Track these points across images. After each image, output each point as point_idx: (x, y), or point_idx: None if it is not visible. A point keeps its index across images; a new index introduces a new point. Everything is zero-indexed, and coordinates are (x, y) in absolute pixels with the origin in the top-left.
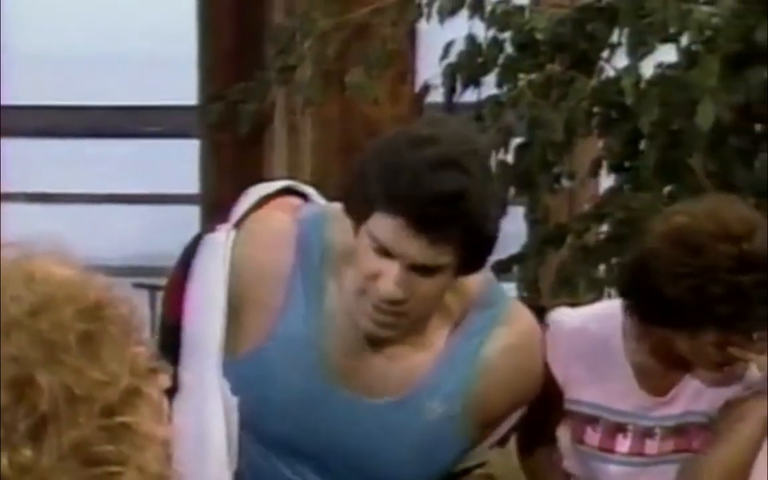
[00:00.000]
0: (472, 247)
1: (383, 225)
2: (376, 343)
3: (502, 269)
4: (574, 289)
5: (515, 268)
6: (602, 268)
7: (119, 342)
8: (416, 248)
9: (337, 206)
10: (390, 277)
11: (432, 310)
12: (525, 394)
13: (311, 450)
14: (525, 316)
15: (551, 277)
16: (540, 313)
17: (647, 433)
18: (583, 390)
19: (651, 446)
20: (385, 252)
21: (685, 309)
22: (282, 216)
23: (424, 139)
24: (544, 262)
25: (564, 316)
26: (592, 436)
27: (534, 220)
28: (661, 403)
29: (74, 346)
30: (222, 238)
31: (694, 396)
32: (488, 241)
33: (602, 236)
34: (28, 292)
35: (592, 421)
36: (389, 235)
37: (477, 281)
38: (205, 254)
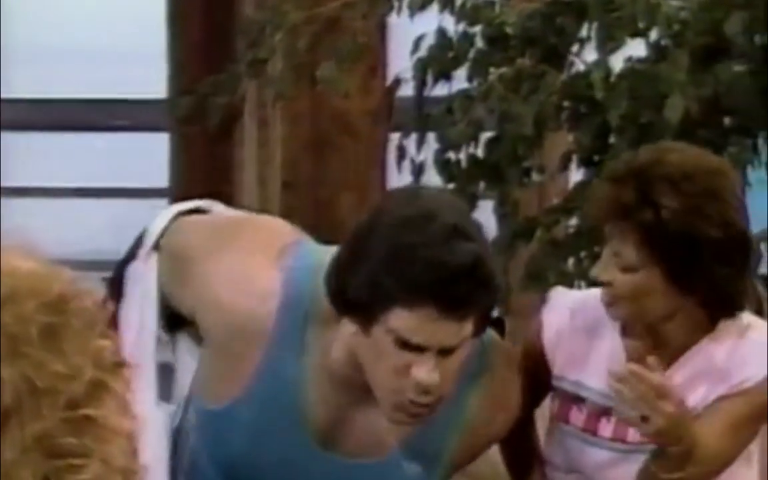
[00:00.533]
0: (489, 308)
1: (406, 319)
2: (355, 402)
3: None
4: (544, 282)
5: None
6: (571, 261)
7: (83, 335)
8: (447, 332)
9: (329, 253)
10: (424, 365)
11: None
12: (502, 434)
13: None
14: (502, 355)
15: (521, 270)
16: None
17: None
18: (572, 368)
19: (634, 434)
20: (409, 344)
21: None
22: (268, 272)
23: (420, 218)
24: (513, 256)
25: (565, 293)
26: (577, 416)
27: (503, 214)
28: None
29: (36, 339)
30: (142, 267)
31: (682, 389)
32: (497, 296)
33: (571, 230)
34: None
35: (578, 400)
36: (417, 329)
37: None
38: (130, 288)
